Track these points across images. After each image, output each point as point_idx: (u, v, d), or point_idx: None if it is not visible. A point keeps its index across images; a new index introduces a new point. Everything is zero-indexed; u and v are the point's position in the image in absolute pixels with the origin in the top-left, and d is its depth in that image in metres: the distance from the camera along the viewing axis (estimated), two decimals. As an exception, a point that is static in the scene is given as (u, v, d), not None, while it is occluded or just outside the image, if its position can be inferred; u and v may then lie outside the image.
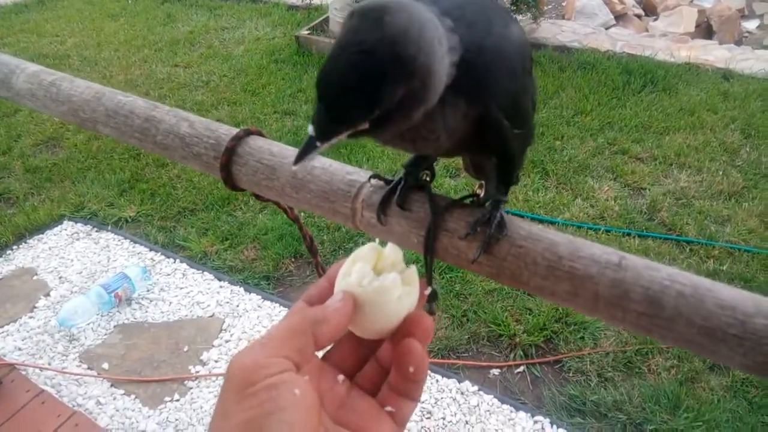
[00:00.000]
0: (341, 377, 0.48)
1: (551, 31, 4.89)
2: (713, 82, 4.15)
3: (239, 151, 0.59)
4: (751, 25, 5.61)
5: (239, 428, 0.38)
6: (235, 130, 0.60)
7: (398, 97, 0.41)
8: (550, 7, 5.63)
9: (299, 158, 0.44)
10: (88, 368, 2.36)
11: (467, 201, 0.56)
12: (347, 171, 0.55)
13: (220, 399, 0.41)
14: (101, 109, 0.66)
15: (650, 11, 5.81)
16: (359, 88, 0.41)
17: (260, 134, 0.61)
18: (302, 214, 3.03)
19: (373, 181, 0.55)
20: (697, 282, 0.42)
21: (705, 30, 5.36)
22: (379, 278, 0.47)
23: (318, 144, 0.43)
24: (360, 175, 0.55)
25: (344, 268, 0.49)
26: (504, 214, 0.50)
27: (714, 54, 4.51)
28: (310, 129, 0.43)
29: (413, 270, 0.49)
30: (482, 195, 0.56)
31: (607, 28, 5.22)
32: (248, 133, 0.60)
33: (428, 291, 0.51)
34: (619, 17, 5.53)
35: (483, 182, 0.57)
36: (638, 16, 5.65)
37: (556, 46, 4.65)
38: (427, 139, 0.48)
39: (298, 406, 0.39)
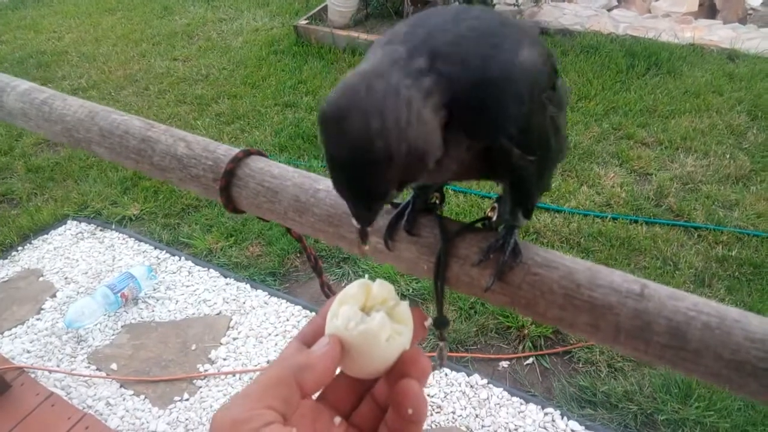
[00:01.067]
0: (338, 419, 0.46)
1: (553, 14, 4.82)
2: (718, 63, 4.09)
3: (239, 173, 0.57)
4: (755, 2, 5.52)
5: None
6: (234, 151, 0.58)
7: (397, 175, 0.42)
8: (551, -11, 5.55)
9: (361, 244, 0.48)
10: (97, 369, 2.36)
11: (479, 225, 0.53)
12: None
13: None
14: (95, 129, 0.64)
15: (653, -9, 5.72)
16: (366, 190, 0.43)
17: (261, 154, 0.59)
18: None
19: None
20: (723, 312, 0.40)
21: (708, 9, 5.28)
22: (366, 320, 0.45)
23: (369, 229, 0.47)
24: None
25: (332, 309, 0.47)
26: (518, 239, 0.48)
27: (718, 34, 4.45)
28: (354, 222, 0.47)
29: (405, 305, 0.47)
30: (495, 218, 0.53)
31: (609, 10, 5.14)
32: (248, 153, 0.58)
33: (428, 323, 0.49)
34: (622, -2, 5.46)
35: (495, 205, 0.55)
36: (641, -4, 5.58)
37: (558, 29, 4.59)
38: (437, 172, 0.46)
39: None
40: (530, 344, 2.32)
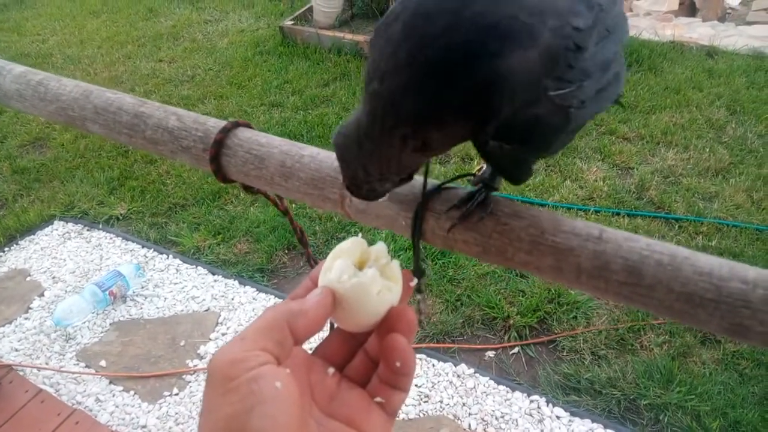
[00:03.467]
0: (331, 370, 0.49)
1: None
2: (698, 59, 4.17)
3: (228, 143, 0.60)
4: (733, 1, 5.62)
5: (223, 423, 0.38)
6: (223, 123, 0.61)
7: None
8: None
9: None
10: (86, 366, 2.37)
11: (458, 184, 0.56)
12: (334, 158, 0.57)
13: (204, 395, 0.41)
14: (90, 107, 0.67)
15: (634, -9, 5.81)
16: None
17: (248, 126, 0.62)
18: (293, 205, 3.04)
19: None
20: (674, 251, 0.44)
21: (689, 7, 5.37)
22: (358, 274, 0.48)
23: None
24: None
25: (326, 264, 0.49)
26: (490, 195, 0.52)
27: (698, 31, 4.54)
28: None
29: (395, 264, 0.50)
30: (477, 176, 0.57)
31: (591, 9, 5.22)
32: (236, 125, 0.61)
33: (414, 283, 0.52)
34: (603, -2, 5.53)
35: (483, 166, 0.58)
36: (622, -4, 5.66)
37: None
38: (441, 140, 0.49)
39: (279, 398, 0.39)
40: (515, 334, 2.36)
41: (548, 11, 0.43)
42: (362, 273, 0.48)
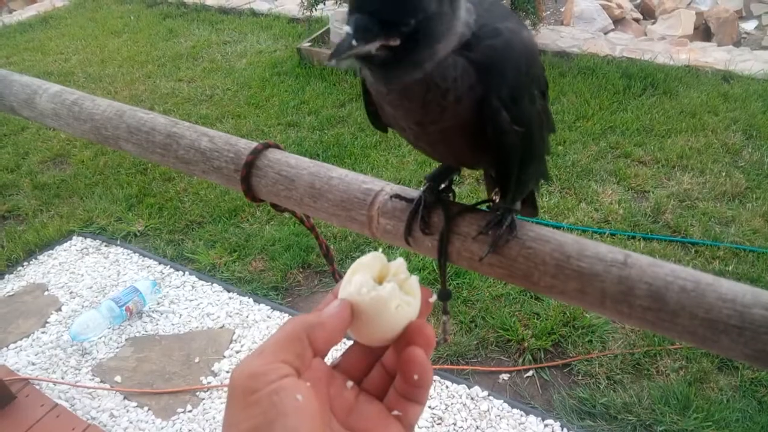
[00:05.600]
0: (350, 383, 0.50)
1: (550, 37, 4.92)
2: (713, 83, 4.17)
3: (258, 164, 0.62)
4: (749, 26, 5.63)
5: None
6: (253, 144, 0.63)
7: (433, 11, 0.45)
8: (548, 13, 5.68)
9: (335, 54, 0.45)
10: (101, 381, 2.39)
11: (483, 207, 0.58)
12: (362, 180, 0.58)
13: (226, 409, 0.42)
14: (123, 126, 0.69)
15: (648, 15, 5.84)
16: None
17: (278, 147, 0.64)
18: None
19: (394, 201, 0.58)
20: (698, 277, 0.44)
21: (703, 32, 5.39)
22: (377, 288, 0.48)
23: (354, 43, 0.44)
24: (375, 184, 0.58)
25: (346, 277, 0.50)
26: (515, 218, 0.53)
27: (713, 56, 4.54)
28: (347, 28, 0.45)
29: (414, 279, 0.51)
30: (496, 201, 0.58)
31: (605, 33, 5.25)
32: (267, 146, 0.63)
33: (433, 298, 0.52)
34: (618, 22, 5.56)
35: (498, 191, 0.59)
36: (636, 20, 5.69)
37: (556, 51, 4.68)
38: (434, 104, 0.50)
39: (300, 411, 0.40)
40: (530, 357, 2.35)
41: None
42: (381, 287, 0.48)
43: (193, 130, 0.65)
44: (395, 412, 0.49)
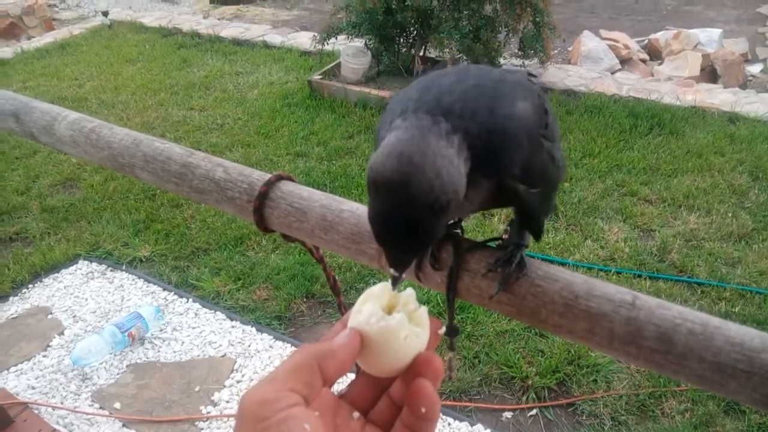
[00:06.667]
0: (356, 414, 0.50)
1: (558, 75, 4.99)
2: (719, 125, 4.20)
3: (271, 195, 0.63)
4: (755, 69, 5.69)
5: None
6: (267, 176, 0.64)
7: (443, 220, 0.49)
8: (556, 52, 5.76)
9: (393, 284, 0.50)
10: (100, 408, 2.37)
11: (492, 244, 0.59)
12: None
13: None
14: (140, 155, 0.70)
15: (655, 56, 5.91)
16: (415, 235, 0.48)
17: (291, 179, 0.65)
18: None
19: None
20: (706, 320, 0.45)
21: (710, 74, 5.44)
22: (386, 318, 0.48)
23: (398, 275, 0.50)
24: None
25: (356, 307, 0.51)
26: (525, 255, 0.54)
27: (719, 97, 4.58)
28: (392, 272, 0.51)
29: (423, 310, 0.51)
30: (506, 238, 0.59)
31: (612, 73, 5.31)
32: (280, 178, 0.64)
33: (442, 330, 0.53)
34: (625, 62, 5.63)
35: (508, 228, 0.61)
36: (643, 61, 5.76)
37: (563, 90, 4.74)
38: (462, 207, 0.53)
39: None
40: (534, 395, 2.32)
41: (519, 82, 0.55)
42: (390, 317, 0.49)
43: (208, 161, 0.67)
44: None
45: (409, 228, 0.46)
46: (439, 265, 0.56)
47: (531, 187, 0.53)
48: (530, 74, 0.60)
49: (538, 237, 0.61)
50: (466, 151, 0.49)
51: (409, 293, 0.51)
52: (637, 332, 0.45)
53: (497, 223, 3.18)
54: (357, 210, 0.60)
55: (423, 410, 0.47)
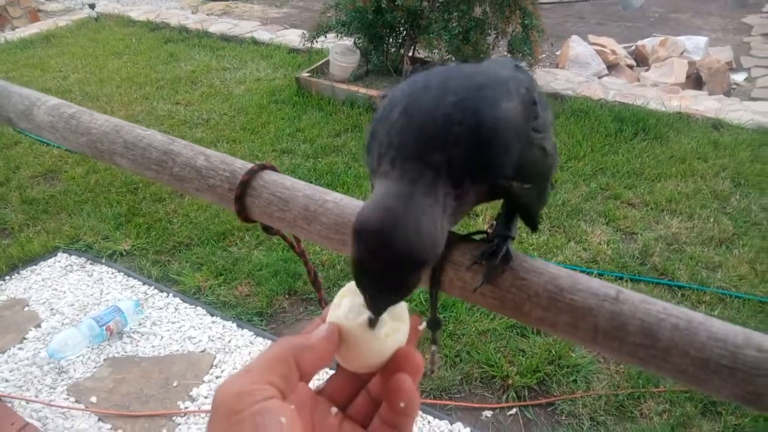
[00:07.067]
0: (334, 409, 0.49)
1: (545, 78, 5.01)
2: (703, 131, 4.25)
3: (253, 184, 0.61)
4: (739, 77, 5.77)
5: None
6: (250, 165, 0.63)
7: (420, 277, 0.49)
8: (544, 55, 5.79)
9: (371, 325, 0.49)
10: (76, 401, 2.33)
11: (477, 237, 0.58)
12: (357, 205, 0.58)
13: (208, 428, 0.41)
14: (120, 141, 0.69)
15: (642, 62, 5.97)
16: (391, 289, 0.48)
17: (274, 169, 0.64)
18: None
19: None
20: (690, 315, 0.44)
21: (695, 81, 5.50)
22: (365, 312, 0.48)
23: (375, 318, 0.49)
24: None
25: (335, 301, 0.50)
26: (510, 248, 0.53)
27: (704, 104, 4.63)
28: (372, 316, 0.49)
29: (403, 306, 0.50)
30: (491, 232, 0.59)
31: (599, 77, 5.35)
32: (263, 167, 0.63)
33: (422, 326, 0.52)
34: (612, 67, 5.68)
35: (494, 222, 0.60)
36: (630, 67, 5.81)
37: (550, 93, 4.76)
38: (457, 215, 0.53)
39: None
40: (514, 394, 2.32)
41: (505, 78, 0.54)
42: (369, 312, 0.48)
43: (190, 149, 0.65)
44: None
45: (387, 280, 0.46)
46: None
47: (524, 183, 0.54)
48: (517, 65, 0.60)
49: (534, 228, 0.61)
50: (450, 205, 0.49)
51: None
52: (621, 326, 0.45)
53: (482, 223, 3.19)
54: (341, 201, 0.59)
55: (402, 405, 0.46)
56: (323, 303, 0.72)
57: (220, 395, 0.41)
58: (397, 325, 0.49)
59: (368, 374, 0.51)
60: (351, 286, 0.50)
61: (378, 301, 0.47)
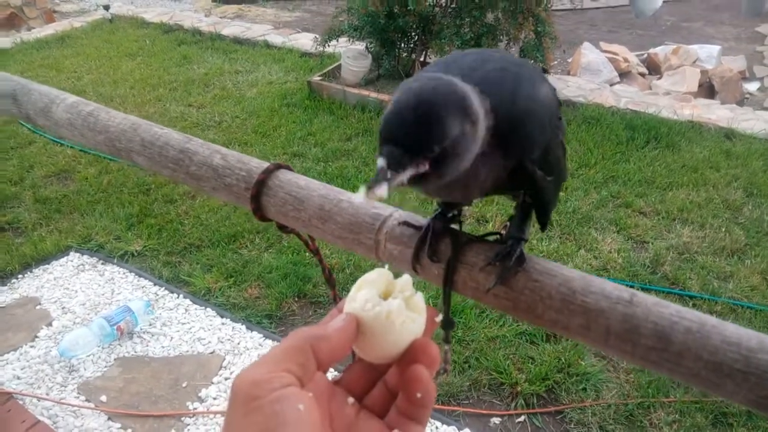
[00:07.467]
0: (351, 400, 0.49)
1: (557, 85, 4.98)
2: (716, 140, 4.22)
3: (269, 183, 0.62)
4: (752, 86, 5.73)
5: None
6: (265, 164, 0.64)
7: (456, 135, 0.47)
8: (556, 62, 5.78)
9: (371, 187, 0.47)
10: (86, 400, 2.35)
11: (490, 239, 0.59)
12: (372, 205, 0.58)
13: (227, 415, 0.41)
14: (137, 140, 0.70)
15: (654, 70, 5.95)
16: (427, 126, 0.46)
17: (289, 169, 0.65)
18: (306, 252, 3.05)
19: (402, 227, 0.59)
20: (704, 319, 0.44)
21: (707, 90, 5.47)
22: (382, 303, 0.48)
23: (389, 175, 0.46)
24: (384, 209, 0.58)
25: (351, 293, 0.50)
26: (523, 250, 0.53)
27: (716, 113, 4.60)
28: (381, 162, 0.47)
29: (420, 297, 0.50)
30: (505, 234, 0.59)
31: (611, 85, 5.34)
32: (278, 166, 0.64)
33: (438, 318, 0.52)
34: (624, 75, 5.66)
35: (507, 223, 0.60)
36: (642, 75, 5.79)
37: (562, 100, 4.72)
38: (471, 186, 0.52)
39: (301, 421, 0.40)
40: (523, 402, 2.31)
41: (538, 70, 0.56)
42: (386, 303, 0.48)
43: (206, 147, 0.66)
44: (395, 431, 0.48)
45: (422, 117, 0.45)
46: (436, 257, 0.55)
47: (546, 174, 0.54)
48: (544, 69, 0.61)
49: (544, 227, 0.62)
50: (490, 121, 0.49)
51: (406, 279, 0.51)
52: (633, 329, 0.45)
53: (492, 228, 3.18)
54: (355, 201, 0.60)
55: (418, 396, 0.46)
56: (337, 301, 0.73)
57: (239, 383, 0.42)
58: (414, 315, 0.49)
59: (385, 365, 0.51)
60: (367, 277, 0.50)
61: (399, 154, 0.46)
